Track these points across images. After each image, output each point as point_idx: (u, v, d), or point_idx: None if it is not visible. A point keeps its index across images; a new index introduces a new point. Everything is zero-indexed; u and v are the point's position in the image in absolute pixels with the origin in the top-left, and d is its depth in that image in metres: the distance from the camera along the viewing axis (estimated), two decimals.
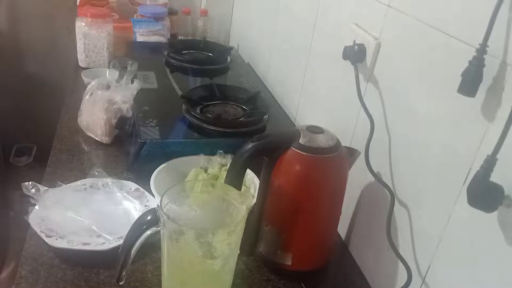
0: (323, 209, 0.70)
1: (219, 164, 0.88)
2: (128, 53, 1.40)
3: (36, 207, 0.76)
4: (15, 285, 0.65)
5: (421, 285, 0.63)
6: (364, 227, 0.79)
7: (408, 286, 0.63)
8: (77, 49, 1.37)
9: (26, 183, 0.79)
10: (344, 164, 0.70)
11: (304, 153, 0.66)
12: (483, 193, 0.47)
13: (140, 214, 0.58)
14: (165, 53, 1.34)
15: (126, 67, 1.05)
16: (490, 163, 0.47)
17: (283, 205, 0.69)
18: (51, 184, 0.83)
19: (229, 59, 1.40)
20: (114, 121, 0.99)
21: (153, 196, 0.79)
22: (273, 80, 1.29)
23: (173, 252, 0.58)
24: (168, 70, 1.27)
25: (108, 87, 1.03)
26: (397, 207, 0.68)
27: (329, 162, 0.67)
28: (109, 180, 0.85)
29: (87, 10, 1.34)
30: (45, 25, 1.82)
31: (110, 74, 1.07)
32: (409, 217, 0.66)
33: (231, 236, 0.57)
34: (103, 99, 0.98)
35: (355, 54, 0.77)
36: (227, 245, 0.57)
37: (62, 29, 1.78)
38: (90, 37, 1.33)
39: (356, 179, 0.77)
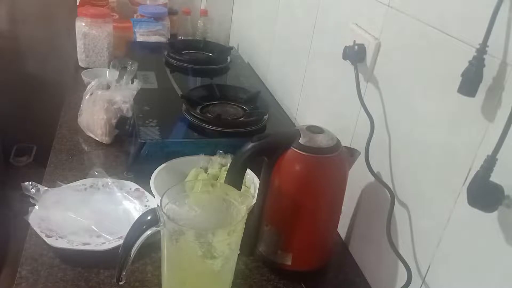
0: (323, 209, 0.71)
1: (219, 164, 0.88)
2: (128, 53, 1.39)
3: (36, 207, 0.76)
4: (15, 285, 0.65)
5: (421, 285, 0.63)
6: (364, 227, 0.79)
7: (408, 286, 0.63)
8: (77, 49, 1.37)
9: (26, 183, 0.79)
10: (344, 164, 0.70)
11: (304, 153, 0.66)
12: (483, 193, 0.47)
13: (140, 214, 0.58)
14: (165, 53, 1.34)
15: (126, 67, 1.05)
16: (490, 163, 0.47)
17: (283, 205, 0.69)
18: (51, 184, 0.83)
19: (229, 59, 1.40)
20: (114, 121, 0.99)
21: (153, 196, 0.79)
22: (273, 80, 1.29)
23: (173, 252, 0.58)
24: (168, 70, 1.27)
25: (108, 87, 1.03)
26: (397, 207, 0.68)
27: (329, 162, 0.67)
28: (109, 180, 0.85)
29: (87, 10, 1.34)
30: (45, 25, 1.82)
31: (110, 74, 1.07)
32: (409, 217, 0.66)
33: (231, 236, 0.57)
34: (103, 99, 0.98)
35: (355, 54, 0.77)
36: (227, 245, 0.57)
37: (62, 29, 1.78)
38: (90, 37, 1.33)
39: (356, 179, 0.77)
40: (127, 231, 0.58)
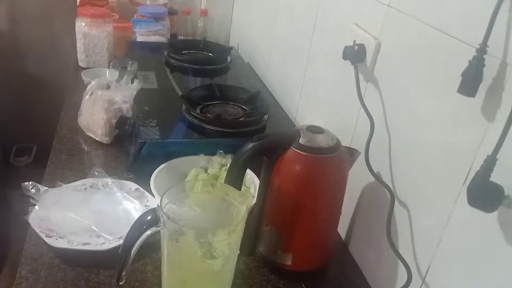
0: (323, 209, 0.71)
1: (219, 164, 0.88)
2: (128, 53, 1.39)
3: (36, 207, 0.76)
4: (15, 285, 0.65)
5: (421, 285, 0.63)
6: (364, 227, 0.79)
7: (408, 286, 0.63)
8: (77, 49, 1.37)
9: (26, 183, 0.79)
10: (344, 164, 0.70)
11: (304, 153, 0.66)
12: (483, 193, 0.47)
13: (140, 214, 0.58)
14: (165, 53, 1.34)
15: (126, 67, 1.05)
16: (490, 163, 0.47)
17: (283, 205, 0.69)
18: (51, 184, 0.83)
19: (229, 59, 1.40)
20: (114, 121, 0.99)
21: (153, 196, 0.79)
22: (273, 80, 1.29)
23: (173, 252, 0.58)
24: (168, 70, 1.27)
25: (108, 87, 1.03)
26: (397, 207, 0.68)
27: (329, 162, 0.67)
28: (109, 180, 0.85)
29: (87, 10, 1.34)
30: (45, 25, 1.83)
31: (110, 74, 1.07)
32: (409, 217, 0.66)
33: (231, 236, 0.57)
34: (103, 99, 0.98)
35: (355, 54, 0.77)
36: (227, 245, 0.57)
37: (62, 29, 1.78)
38: (90, 37, 1.33)
39: (356, 179, 0.77)
40: (127, 231, 0.58)
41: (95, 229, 0.75)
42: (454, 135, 0.57)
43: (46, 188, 0.80)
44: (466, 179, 0.54)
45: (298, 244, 0.71)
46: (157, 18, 1.52)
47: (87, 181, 0.85)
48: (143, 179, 0.83)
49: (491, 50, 0.49)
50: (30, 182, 0.79)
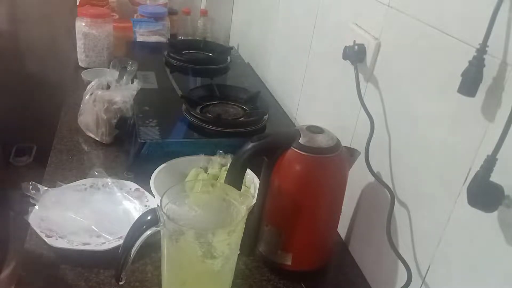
0: (323, 209, 0.71)
1: (219, 164, 0.88)
2: (128, 53, 1.40)
3: (36, 207, 0.76)
4: (15, 285, 0.65)
5: (421, 285, 0.63)
6: (364, 227, 0.79)
7: (408, 286, 0.63)
8: (77, 49, 1.37)
9: (26, 183, 0.79)
10: (344, 164, 0.70)
11: (304, 153, 0.66)
12: (483, 193, 0.47)
13: (140, 214, 0.59)
14: (165, 53, 1.34)
15: (126, 67, 1.06)
16: (490, 163, 0.47)
17: (283, 205, 0.69)
18: (51, 184, 0.83)
19: (229, 59, 1.40)
20: (114, 121, 0.99)
21: (153, 196, 0.79)
22: (273, 80, 1.29)
23: (173, 252, 0.58)
24: (168, 70, 1.27)
25: (108, 87, 1.03)
26: (397, 207, 0.68)
27: (329, 162, 0.67)
28: (109, 180, 0.85)
29: (87, 10, 1.34)
30: (45, 25, 1.82)
31: (110, 74, 1.07)
32: (409, 217, 0.66)
33: (231, 236, 0.57)
34: (103, 99, 0.98)
35: (355, 54, 0.77)
36: (227, 245, 0.57)
37: (62, 29, 1.78)
38: (90, 37, 1.33)
39: (356, 179, 0.77)
40: (127, 231, 0.58)
41: (95, 229, 0.75)
42: (454, 135, 0.57)
43: (46, 188, 0.80)
44: (466, 179, 0.54)
45: (298, 244, 0.71)
46: (157, 18, 1.52)
47: (87, 181, 0.85)
48: (143, 179, 0.83)
49: (491, 50, 0.49)
50: (30, 182, 0.79)
